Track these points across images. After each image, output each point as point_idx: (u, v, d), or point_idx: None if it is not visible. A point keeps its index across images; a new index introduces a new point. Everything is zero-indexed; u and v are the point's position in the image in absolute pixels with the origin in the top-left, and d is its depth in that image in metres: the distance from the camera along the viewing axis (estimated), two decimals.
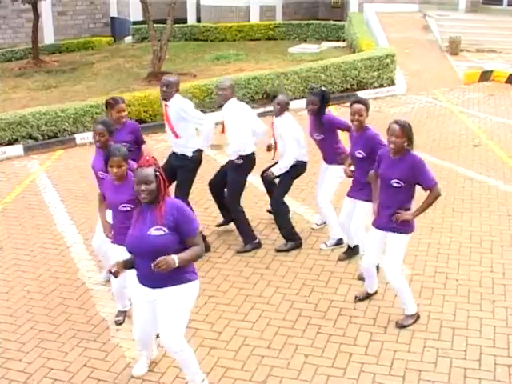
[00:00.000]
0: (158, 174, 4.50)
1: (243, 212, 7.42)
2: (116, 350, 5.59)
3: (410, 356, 5.35)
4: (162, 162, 7.30)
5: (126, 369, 5.32)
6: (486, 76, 15.80)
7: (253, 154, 7.35)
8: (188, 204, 7.12)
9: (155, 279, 4.57)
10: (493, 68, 16.15)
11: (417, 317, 5.85)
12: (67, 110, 12.02)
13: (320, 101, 7.06)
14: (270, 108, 7.91)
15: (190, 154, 7.25)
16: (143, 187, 4.45)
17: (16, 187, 9.82)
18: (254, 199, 8.54)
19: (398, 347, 5.47)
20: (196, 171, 7.42)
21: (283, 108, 7.29)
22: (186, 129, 7.21)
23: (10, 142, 11.49)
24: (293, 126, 7.31)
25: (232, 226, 7.80)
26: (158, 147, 10.71)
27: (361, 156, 6.36)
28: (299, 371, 5.22)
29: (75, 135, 11.94)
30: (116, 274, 4.70)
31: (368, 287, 6.23)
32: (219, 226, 7.90)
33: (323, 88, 7.53)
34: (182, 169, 7.27)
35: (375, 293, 6.26)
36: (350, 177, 6.68)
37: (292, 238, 7.36)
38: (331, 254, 7.15)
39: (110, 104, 6.73)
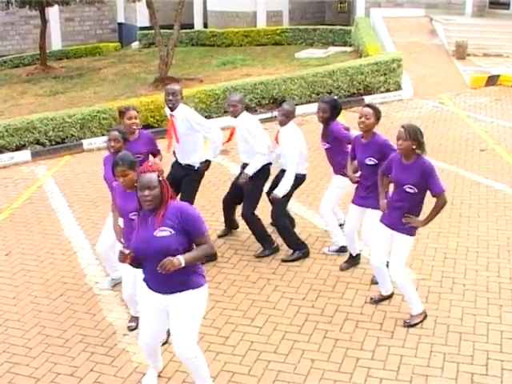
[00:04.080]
0: (161, 179, 4.46)
1: (259, 220, 7.37)
2: (123, 354, 5.60)
3: (417, 361, 5.34)
4: (167, 166, 7.37)
5: (132, 373, 5.33)
6: (492, 80, 15.78)
7: (270, 163, 7.34)
8: None
9: (166, 284, 4.55)
10: (500, 72, 16.14)
11: (424, 316, 5.89)
12: (74, 116, 12.06)
13: (330, 109, 6.94)
14: (276, 113, 7.76)
15: (196, 165, 7.23)
16: (146, 192, 4.40)
17: (23, 192, 9.86)
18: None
19: (404, 352, 5.46)
20: (200, 182, 7.42)
21: (290, 118, 7.15)
22: (193, 139, 7.17)
23: (18, 148, 11.53)
24: (296, 139, 7.16)
25: (237, 231, 7.85)
26: (163, 152, 10.72)
27: (372, 163, 6.28)
28: (306, 376, 5.22)
29: (82, 141, 11.98)
30: (124, 259, 4.55)
31: (382, 289, 6.21)
32: (220, 236, 7.87)
33: (335, 98, 7.43)
34: (186, 178, 7.23)
35: (392, 295, 6.22)
36: (355, 183, 6.63)
37: (298, 248, 7.28)
38: (338, 258, 7.14)
39: (122, 112, 6.72)
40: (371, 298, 6.24)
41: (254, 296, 6.49)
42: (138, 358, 5.51)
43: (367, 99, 13.84)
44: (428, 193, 5.65)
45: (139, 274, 4.81)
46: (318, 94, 14.14)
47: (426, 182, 5.55)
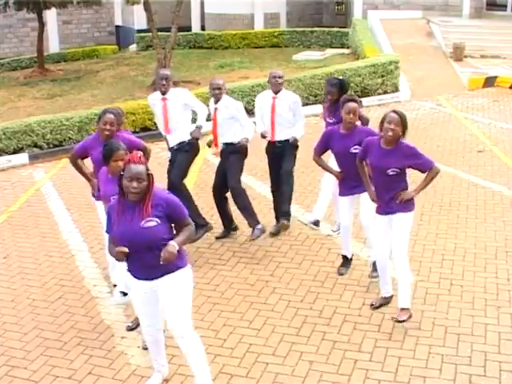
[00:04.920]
0: (149, 172, 4.53)
1: (246, 194, 7.55)
2: (121, 357, 5.59)
3: (415, 362, 5.34)
4: (165, 168, 7.41)
5: (131, 376, 5.32)
6: (490, 82, 15.81)
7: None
8: (184, 187, 7.42)
9: (153, 271, 4.65)
10: (497, 74, 16.17)
11: (410, 314, 5.83)
12: (72, 119, 12.07)
13: (338, 92, 7.24)
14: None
15: (187, 138, 7.43)
16: (135, 184, 4.45)
17: (21, 195, 9.86)
18: (260, 207, 8.55)
19: (402, 354, 5.46)
20: (194, 156, 7.61)
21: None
22: (184, 118, 7.45)
23: (16, 151, 11.55)
24: None
25: (235, 233, 7.87)
26: (162, 155, 10.73)
27: (358, 151, 6.29)
28: (304, 378, 5.22)
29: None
30: (122, 256, 4.60)
31: (383, 290, 6.18)
32: (218, 238, 7.88)
33: (341, 77, 7.63)
34: (180, 152, 7.46)
35: (391, 297, 6.20)
36: (341, 178, 6.57)
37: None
38: (336, 261, 7.14)
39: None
40: (371, 304, 6.20)
41: (252, 298, 6.49)
42: (137, 360, 5.51)
43: (365, 101, 13.83)
44: (415, 173, 5.86)
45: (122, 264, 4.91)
46: (315, 96, 14.17)
47: (414, 163, 5.70)
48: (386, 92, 14.90)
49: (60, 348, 5.76)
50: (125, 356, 5.60)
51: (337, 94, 7.23)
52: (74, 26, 29.27)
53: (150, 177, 4.52)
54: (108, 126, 6.04)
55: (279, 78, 7.63)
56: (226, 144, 7.52)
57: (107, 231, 4.81)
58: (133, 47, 25.48)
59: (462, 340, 5.61)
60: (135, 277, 4.76)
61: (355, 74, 14.58)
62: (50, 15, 25.93)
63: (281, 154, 7.72)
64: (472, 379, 5.10)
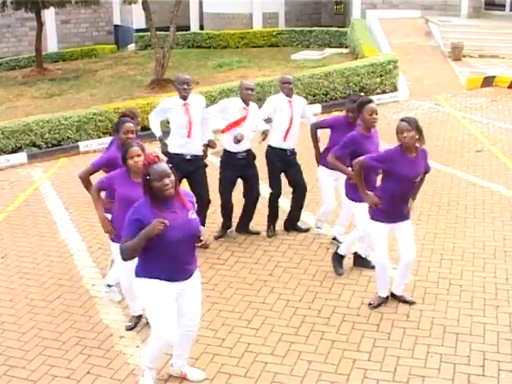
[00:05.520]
0: (170, 165, 4.63)
1: None
2: (119, 357, 5.58)
3: (414, 362, 5.34)
4: None
5: (129, 376, 5.32)
6: (488, 81, 15.82)
7: None
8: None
9: (186, 270, 4.77)
10: (495, 73, 16.17)
11: None
12: (70, 118, 12.07)
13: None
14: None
15: (201, 153, 7.46)
16: (167, 181, 4.53)
17: (20, 195, 9.85)
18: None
19: (401, 353, 5.46)
20: None
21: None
22: (200, 126, 7.35)
23: (14, 150, 11.54)
24: None
25: (234, 233, 7.89)
26: (162, 155, 10.73)
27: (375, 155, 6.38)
28: (302, 377, 5.21)
29: (78, 143, 11.98)
30: (162, 227, 4.49)
31: (382, 291, 6.19)
32: (217, 238, 7.87)
33: (362, 94, 7.60)
34: (198, 168, 7.42)
35: (388, 298, 6.21)
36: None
37: None
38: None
39: (129, 117, 6.63)
40: (370, 304, 6.20)
41: (251, 298, 6.49)
42: (135, 360, 5.50)
43: None
44: None
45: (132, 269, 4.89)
46: (314, 96, 14.16)
47: (426, 167, 5.92)
48: (384, 91, 14.90)
49: (58, 347, 5.75)
50: (123, 355, 5.60)
51: (357, 112, 6.85)
52: (72, 26, 29.28)
53: (172, 169, 4.63)
54: (130, 135, 6.04)
55: (288, 83, 7.58)
56: (248, 151, 7.60)
57: (126, 232, 4.64)
58: (131, 46, 25.49)
59: (461, 339, 5.61)
60: (168, 279, 4.70)
61: (354, 73, 14.58)
62: (49, 15, 25.95)
63: (288, 166, 7.76)
64: (471, 379, 5.10)
